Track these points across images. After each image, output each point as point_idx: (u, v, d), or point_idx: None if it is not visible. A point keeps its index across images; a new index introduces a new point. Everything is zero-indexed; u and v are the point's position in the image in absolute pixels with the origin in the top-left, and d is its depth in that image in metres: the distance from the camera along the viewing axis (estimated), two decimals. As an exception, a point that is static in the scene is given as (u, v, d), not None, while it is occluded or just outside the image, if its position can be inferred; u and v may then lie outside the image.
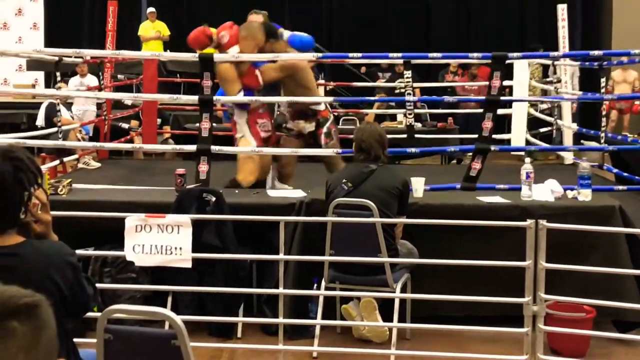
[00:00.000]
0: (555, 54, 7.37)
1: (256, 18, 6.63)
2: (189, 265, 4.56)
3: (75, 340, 2.56)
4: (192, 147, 5.82)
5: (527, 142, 8.55)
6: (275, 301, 4.71)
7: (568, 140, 8.38)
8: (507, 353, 4.46)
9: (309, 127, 6.16)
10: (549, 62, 8.75)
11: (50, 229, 2.36)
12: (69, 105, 9.20)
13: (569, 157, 8.08)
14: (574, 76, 10.72)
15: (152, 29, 13.27)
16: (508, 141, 8.78)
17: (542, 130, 9.05)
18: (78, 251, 3.52)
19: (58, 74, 7.94)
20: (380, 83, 11.75)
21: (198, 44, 6.00)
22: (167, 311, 2.63)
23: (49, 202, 2.35)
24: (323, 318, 4.71)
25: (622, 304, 4.52)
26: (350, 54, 6.49)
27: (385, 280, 4.59)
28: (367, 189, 4.66)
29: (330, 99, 6.78)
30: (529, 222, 4.26)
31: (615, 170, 6.71)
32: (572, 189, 5.18)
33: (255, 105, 5.98)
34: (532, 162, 5.24)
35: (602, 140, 7.17)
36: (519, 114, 8.60)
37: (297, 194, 5.36)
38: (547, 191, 5.15)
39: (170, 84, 12.04)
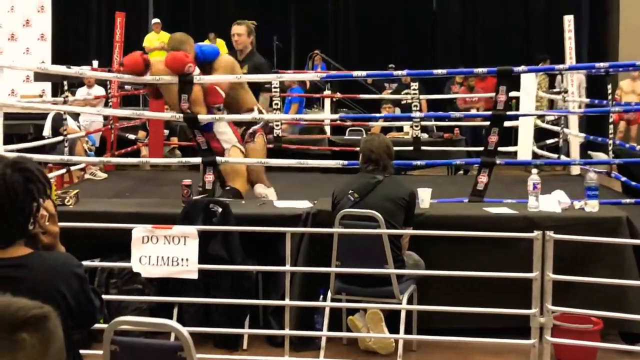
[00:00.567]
0: (561, 66, 7.37)
1: (239, 28, 6.63)
2: (195, 276, 4.56)
3: (81, 351, 2.56)
4: (197, 160, 5.84)
5: (534, 154, 8.54)
6: (281, 312, 4.71)
7: (575, 150, 8.37)
8: (514, 365, 4.44)
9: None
10: (555, 72, 8.75)
11: (58, 241, 2.36)
12: (75, 116, 9.23)
13: (576, 168, 8.07)
14: (580, 86, 10.73)
15: (157, 39, 13.31)
16: (515, 153, 8.77)
17: (549, 141, 9.05)
18: (84, 262, 3.51)
19: (65, 84, 7.97)
20: (387, 94, 11.76)
21: (136, 69, 5.92)
22: (173, 323, 2.62)
23: (57, 214, 2.36)
24: (329, 329, 4.70)
25: (629, 315, 4.50)
26: (355, 73, 6.48)
27: (392, 291, 4.58)
28: (374, 200, 4.66)
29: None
30: (536, 234, 4.25)
31: (623, 179, 6.69)
32: (579, 200, 5.17)
33: None
34: (539, 173, 5.23)
35: (610, 149, 7.16)
36: (526, 126, 8.60)
37: (304, 204, 5.36)
38: (554, 202, 5.14)
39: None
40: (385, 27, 15.89)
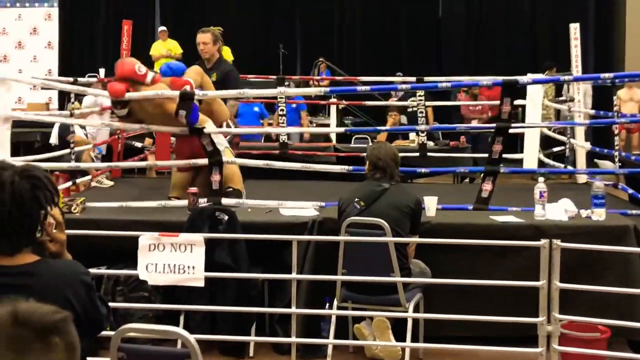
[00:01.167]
0: (566, 77, 7.36)
1: (204, 36, 6.68)
2: (201, 284, 4.56)
3: (88, 359, 2.56)
4: (204, 161, 5.84)
5: (540, 162, 8.52)
6: (288, 320, 4.71)
7: (581, 159, 8.35)
8: (521, 373, 4.43)
9: None
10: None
11: (65, 248, 2.36)
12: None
13: (582, 176, 8.05)
14: (586, 95, 10.71)
15: (164, 47, 13.35)
16: (520, 161, 8.76)
17: (555, 149, 9.03)
18: (91, 270, 3.52)
19: (72, 93, 7.98)
20: (393, 101, 11.76)
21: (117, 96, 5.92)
22: (180, 330, 2.62)
23: (64, 221, 2.36)
24: (335, 337, 4.70)
25: (637, 324, 4.48)
26: (358, 87, 6.48)
27: (398, 299, 4.58)
28: (380, 208, 4.66)
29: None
30: (543, 242, 4.25)
31: (630, 191, 6.67)
32: (585, 209, 5.16)
33: None
34: (545, 181, 5.22)
35: (617, 160, 7.14)
36: (531, 134, 8.58)
37: (310, 212, 5.36)
38: (560, 210, 5.13)
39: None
40: (391, 34, 15.90)
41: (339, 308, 4.75)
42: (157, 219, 5.32)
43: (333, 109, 11.29)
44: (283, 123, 9.53)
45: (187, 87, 5.67)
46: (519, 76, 9.06)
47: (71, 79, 7.56)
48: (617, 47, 14.06)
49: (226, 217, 4.97)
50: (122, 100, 5.77)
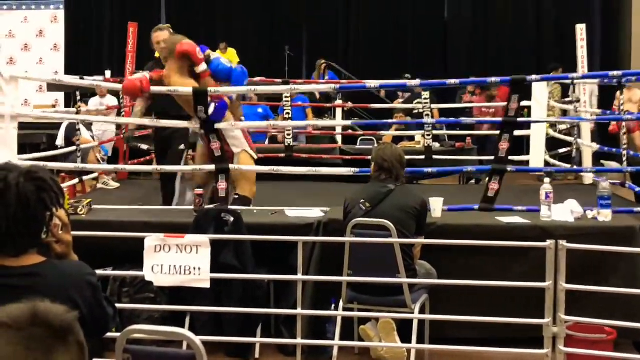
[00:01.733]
0: (574, 75, 7.35)
1: (161, 35, 6.48)
2: (207, 285, 4.57)
3: (94, 360, 2.57)
4: (210, 167, 5.83)
5: (546, 163, 8.51)
6: (293, 321, 4.71)
7: (588, 160, 8.34)
8: (527, 375, 4.42)
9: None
10: (568, 82, 8.72)
11: (71, 250, 2.37)
12: (89, 125, 9.27)
13: (588, 177, 8.03)
14: (592, 95, 10.69)
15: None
16: (527, 162, 8.75)
17: (562, 150, 9.02)
18: (97, 271, 3.52)
19: (78, 94, 8.00)
20: (399, 104, 11.76)
21: (133, 93, 5.92)
22: (186, 332, 2.62)
23: (70, 223, 2.37)
24: (341, 339, 4.70)
25: (644, 325, 4.47)
26: (367, 84, 6.47)
27: (404, 301, 4.57)
28: (385, 209, 4.66)
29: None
30: (549, 243, 4.24)
31: (637, 189, 6.66)
32: (592, 210, 5.15)
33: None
34: (551, 182, 5.21)
35: (624, 158, 7.13)
36: (538, 135, 8.56)
37: (315, 213, 5.36)
38: (566, 211, 5.12)
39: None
40: (396, 36, 15.90)
41: (344, 309, 4.75)
42: (162, 220, 5.33)
43: (339, 111, 11.28)
44: (289, 129, 9.52)
45: (137, 84, 5.68)
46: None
47: (77, 78, 7.56)
48: (623, 48, 14.03)
49: (232, 219, 4.97)
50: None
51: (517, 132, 5.98)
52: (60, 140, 9.09)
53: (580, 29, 8.64)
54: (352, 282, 4.68)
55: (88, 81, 5.83)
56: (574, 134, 8.46)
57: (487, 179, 5.79)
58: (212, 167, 5.81)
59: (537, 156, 8.52)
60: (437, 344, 4.68)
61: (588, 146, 8.21)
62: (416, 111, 10.49)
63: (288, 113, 9.62)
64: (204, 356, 2.43)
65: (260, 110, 11.32)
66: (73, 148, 7.67)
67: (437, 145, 9.69)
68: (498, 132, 5.88)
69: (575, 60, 8.73)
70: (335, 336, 4.70)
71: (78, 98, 8.08)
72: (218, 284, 4.75)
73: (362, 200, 4.72)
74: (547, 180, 5.19)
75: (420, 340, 4.65)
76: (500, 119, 6.08)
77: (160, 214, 5.74)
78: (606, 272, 4.90)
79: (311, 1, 16.17)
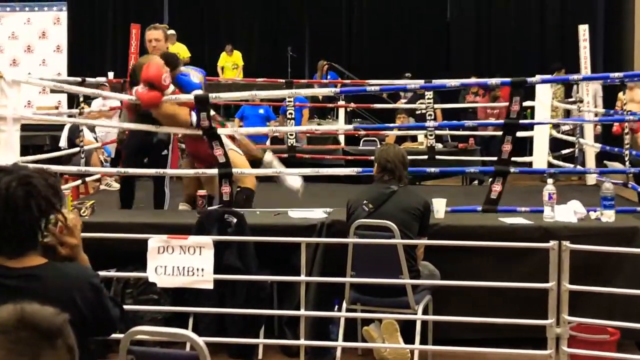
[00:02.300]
0: (576, 77, 7.35)
1: (156, 33, 6.44)
2: (210, 286, 4.57)
3: (97, 361, 2.57)
4: (213, 171, 5.86)
5: (549, 164, 8.51)
6: (296, 322, 4.71)
7: (591, 160, 8.33)
8: (530, 376, 4.42)
9: None
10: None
11: (78, 252, 2.38)
12: (92, 127, 9.29)
13: (591, 178, 8.03)
14: (596, 95, 10.67)
15: (172, 51, 13.37)
16: (530, 163, 8.75)
17: (565, 151, 9.01)
18: (100, 272, 3.53)
19: (81, 96, 8.02)
20: (401, 104, 11.77)
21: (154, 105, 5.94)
22: (189, 333, 2.63)
23: (79, 226, 2.38)
24: (344, 340, 4.70)
25: (647, 326, 4.47)
26: (368, 87, 6.48)
27: (407, 302, 4.57)
28: (388, 210, 4.65)
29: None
30: (552, 244, 4.24)
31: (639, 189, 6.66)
32: (595, 210, 5.15)
33: None
34: (554, 183, 5.21)
35: (627, 159, 7.12)
36: (540, 136, 8.57)
37: (318, 215, 5.36)
38: (569, 212, 5.12)
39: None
40: (399, 37, 15.91)
41: (347, 310, 4.75)
42: (166, 221, 5.34)
43: (341, 111, 11.30)
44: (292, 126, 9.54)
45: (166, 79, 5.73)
46: (528, 78, 9.09)
47: (79, 79, 7.57)
48: (626, 48, 14.02)
49: (235, 220, 4.98)
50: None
51: (520, 133, 5.97)
52: (63, 142, 9.10)
53: (583, 30, 8.63)
54: (355, 283, 4.68)
55: (90, 89, 5.85)
56: (577, 135, 8.46)
57: (490, 180, 5.79)
58: (214, 171, 5.83)
59: (540, 157, 8.53)
60: (440, 345, 4.68)
61: (591, 146, 8.21)
62: (419, 111, 10.49)
63: (291, 113, 9.63)
64: (207, 357, 2.44)
65: (261, 111, 11.34)
66: (76, 149, 7.67)
67: (440, 146, 9.69)
68: (501, 132, 5.89)
69: (579, 60, 8.72)
70: (338, 337, 4.70)
71: (81, 99, 8.11)
72: (221, 285, 4.76)
73: (365, 202, 4.72)
74: (550, 181, 5.18)
75: (423, 341, 4.65)
76: (501, 122, 6.09)
77: (164, 215, 5.74)
78: (609, 272, 4.89)
79: (313, 1, 16.18)
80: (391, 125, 9.52)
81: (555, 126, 9.37)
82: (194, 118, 5.86)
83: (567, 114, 10.34)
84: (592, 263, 4.77)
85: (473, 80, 11.23)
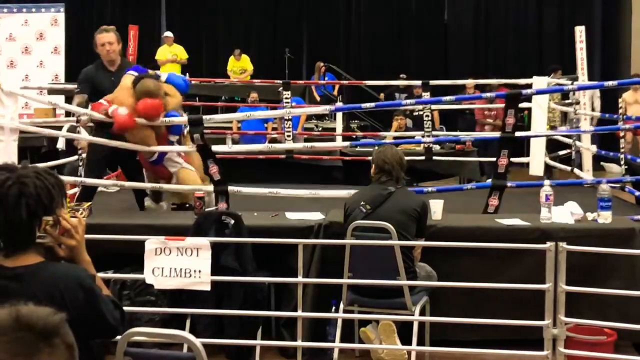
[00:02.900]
0: (570, 87, 7.37)
1: (107, 36, 6.24)
2: (207, 287, 4.57)
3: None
4: (209, 188, 5.91)
5: (546, 165, 8.52)
6: (294, 324, 4.71)
7: (587, 162, 8.35)
8: (527, 377, 4.42)
9: None
10: (567, 82, 8.73)
11: (78, 253, 2.39)
12: (90, 129, 9.26)
13: (588, 179, 8.04)
14: (594, 96, 10.69)
15: (169, 52, 13.39)
16: (527, 164, 8.76)
17: (561, 152, 9.02)
18: (97, 274, 3.52)
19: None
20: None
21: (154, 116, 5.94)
22: (186, 334, 2.63)
23: (81, 227, 2.39)
24: (341, 341, 4.70)
25: (644, 327, 4.47)
26: (363, 105, 6.49)
27: (404, 303, 4.58)
28: (386, 211, 4.66)
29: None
30: (549, 245, 4.24)
31: (637, 193, 6.66)
32: (592, 212, 5.16)
33: None
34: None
35: (622, 162, 7.14)
36: (537, 138, 8.57)
37: (316, 216, 5.37)
38: (566, 213, 5.13)
39: (190, 107, 12.11)
40: (396, 38, 15.93)
41: (345, 311, 4.75)
42: (163, 223, 5.34)
43: (339, 113, 11.29)
44: (289, 128, 9.56)
45: (103, 110, 5.78)
46: (525, 79, 9.11)
47: (75, 85, 7.54)
48: (623, 49, 14.05)
49: (232, 221, 4.98)
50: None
51: (517, 133, 5.98)
52: (61, 144, 9.08)
53: (580, 31, 8.65)
54: (352, 285, 4.68)
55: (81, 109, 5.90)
56: (573, 136, 8.47)
57: (488, 194, 5.81)
58: (210, 187, 5.90)
59: (537, 158, 8.53)
60: (438, 346, 4.69)
61: (587, 149, 8.22)
62: (416, 113, 10.50)
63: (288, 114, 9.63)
64: (205, 358, 2.44)
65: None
66: (74, 158, 7.64)
67: (437, 147, 9.69)
68: (499, 133, 5.91)
69: (575, 61, 8.74)
70: (335, 338, 4.70)
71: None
72: (219, 287, 4.76)
73: (362, 203, 4.73)
74: (547, 182, 5.19)
75: (420, 342, 4.66)
76: (497, 135, 6.10)
77: (161, 216, 5.75)
78: (606, 273, 4.90)
79: (311, 3, 16.20)
80: (386, 133, 9.55)
81: (552, 127, 9.38)
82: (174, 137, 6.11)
83: (564, 115, 10.34)
84: (589, 264, 4.78)
85: (471, 82, 11.29)
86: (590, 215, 5.15)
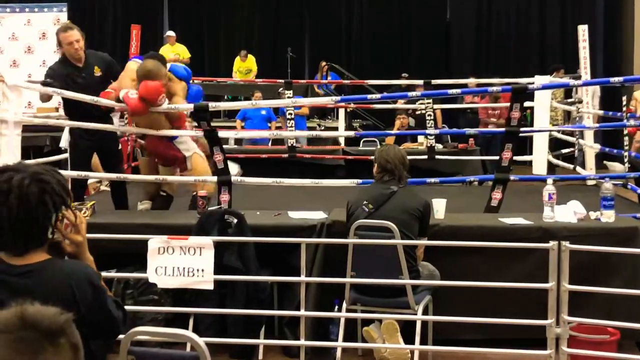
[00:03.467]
0: (575, 82, 7.37)
1: (74, 34, 6.10)
2: (210, 287, 4.57)
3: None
4: (213, 179, 5.89)
5: (549, 163, 8.51)
6: (296, 323, 4.71)
7: (590, 160, 8.34)
8: (530, 376, 4.42)
9: None
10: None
11: (83, 250, 2.40)
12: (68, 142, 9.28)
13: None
14: (594, 95, 10.67)
15: (172, 52, 13.40)
16: (530, 162, 8.76)
17: (565, 150, 9.02)
18: (101, 273, 3.53)
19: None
20: (401, 104, 11.76)
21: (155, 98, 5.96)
22: (190, 333, 2.63)
23: (84, 224, 2.40)
24: (344, 340, 4.70)
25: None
26: (369, 96, 6.50)
27: (407, 302, 4.58)
28: (388, 210, 4.66)
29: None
30: (552, 244, 4.24)
31: (639, 190, 6.66)
32: (594, 211, 5.15)
33: None
34: (554, 183, 5.22)
35: (626, 160, 7.13)
36: (540, 136, 8.57)
37: (318, 215, 5.37)
38: (569, 212, 5.13)
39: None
40: (398, 37, 15.91)
41: (347, 311, 4.76)
42: (166, 222, 5.34)
43: (342, 112, 11.30)
44: (291, 127, 9.57)
45: (114, 96, 5.90)
46: (528, 78, 9.10)
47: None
48: (625, 48, 14.02)
49: (235, 220, 4.98)
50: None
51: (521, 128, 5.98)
52: (63, 142, 9.08)
53: (583, 30, 8.63)
54: (355, 284, 4.68)
55: (88, 96, 5.88)
56: (576, 135, 8.47)
57: (491, 188, 5.81)
58: (214, 178, 5.86)
59: (540, 157, 8.53)
60: (440, 345, 4.69)
61: (590, 147, 8.21)
62: (419, 112, 10.50)
63: (290, 114, 9.65)
64: (208, 357, 2.44)
65: (263, 112, 11.37)
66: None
67: (439, 146, 9.69)
68: (499, 134, 5.90)
69: (578, 60, 8.73)
70: (338, 337, 4.70)
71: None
72: (222, 286, 4.76)
73: (365, 202, 4.73)
74: (549, 181, 5.19)
75: (423, 341, 4.66)
76: (501, 130, 6.10)
77: (164, 216, 5.75)
78: (609, 272, 4.90)
79: (313, 2, 16.19)
80: (391, 133, 9.54)
81: (555, 125, 9.38)
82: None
83: (567, 114, 10.34)
84: (592, 263, 4.78)
85: (473, 81, 11.26)
86: (593, 214, 5.15)
